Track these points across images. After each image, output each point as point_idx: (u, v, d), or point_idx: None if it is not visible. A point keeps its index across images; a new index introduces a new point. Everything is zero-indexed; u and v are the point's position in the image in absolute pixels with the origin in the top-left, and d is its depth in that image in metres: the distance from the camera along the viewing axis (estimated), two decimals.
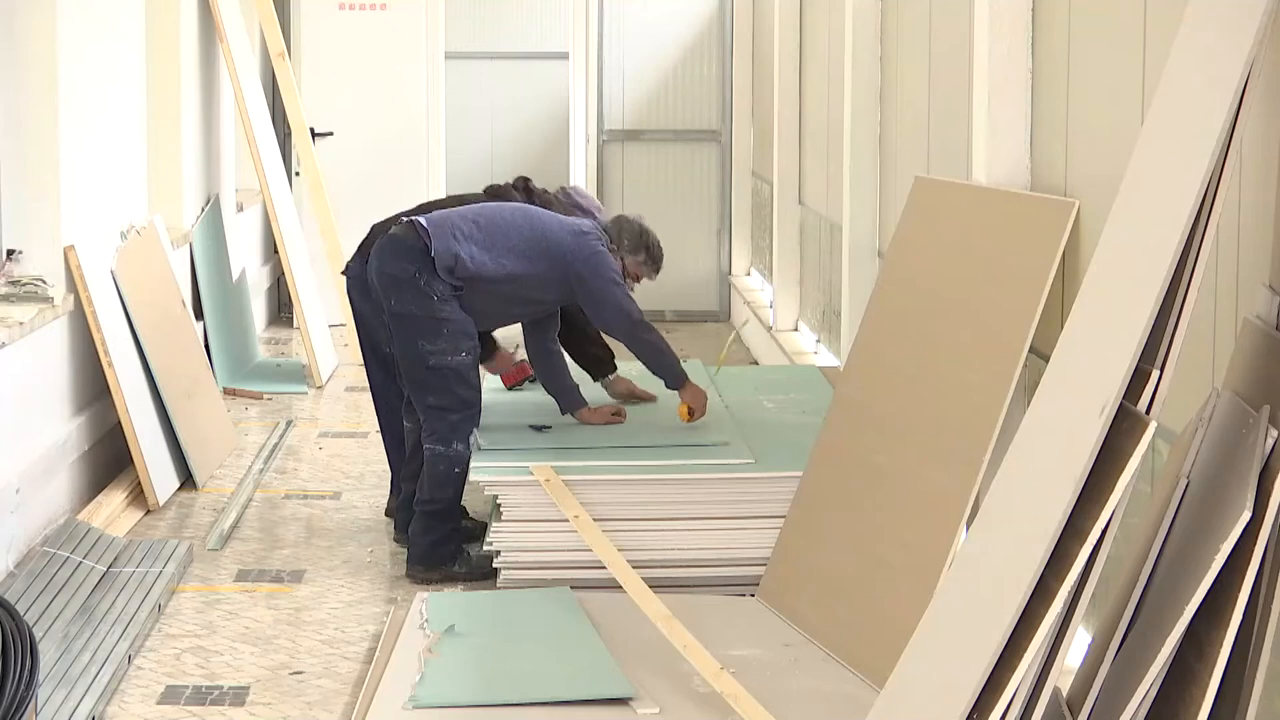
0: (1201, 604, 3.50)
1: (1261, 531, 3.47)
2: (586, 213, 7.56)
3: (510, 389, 7.99)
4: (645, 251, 7.18)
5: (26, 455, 7.06)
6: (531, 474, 6.59)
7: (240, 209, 11.85)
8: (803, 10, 10.93)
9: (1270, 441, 3.55)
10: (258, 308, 12.09)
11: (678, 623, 5.76)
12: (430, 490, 6.89)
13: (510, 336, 7.84)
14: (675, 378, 7.13)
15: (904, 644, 4.45)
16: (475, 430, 6.95)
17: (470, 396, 6.90)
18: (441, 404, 6.86)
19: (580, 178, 14.36)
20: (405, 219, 7.04)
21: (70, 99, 7.69)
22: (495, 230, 6.97)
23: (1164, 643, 3.55)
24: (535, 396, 7.86)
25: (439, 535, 6.87)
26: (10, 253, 7.45)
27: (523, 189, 7.69)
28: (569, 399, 7.27)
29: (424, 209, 7.41)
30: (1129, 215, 4.17)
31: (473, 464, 6.85)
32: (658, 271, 7.28)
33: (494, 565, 6.65)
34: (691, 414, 7.14)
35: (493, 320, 7.22)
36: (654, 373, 7.18)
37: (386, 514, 7.69)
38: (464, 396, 6.87)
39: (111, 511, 7.60)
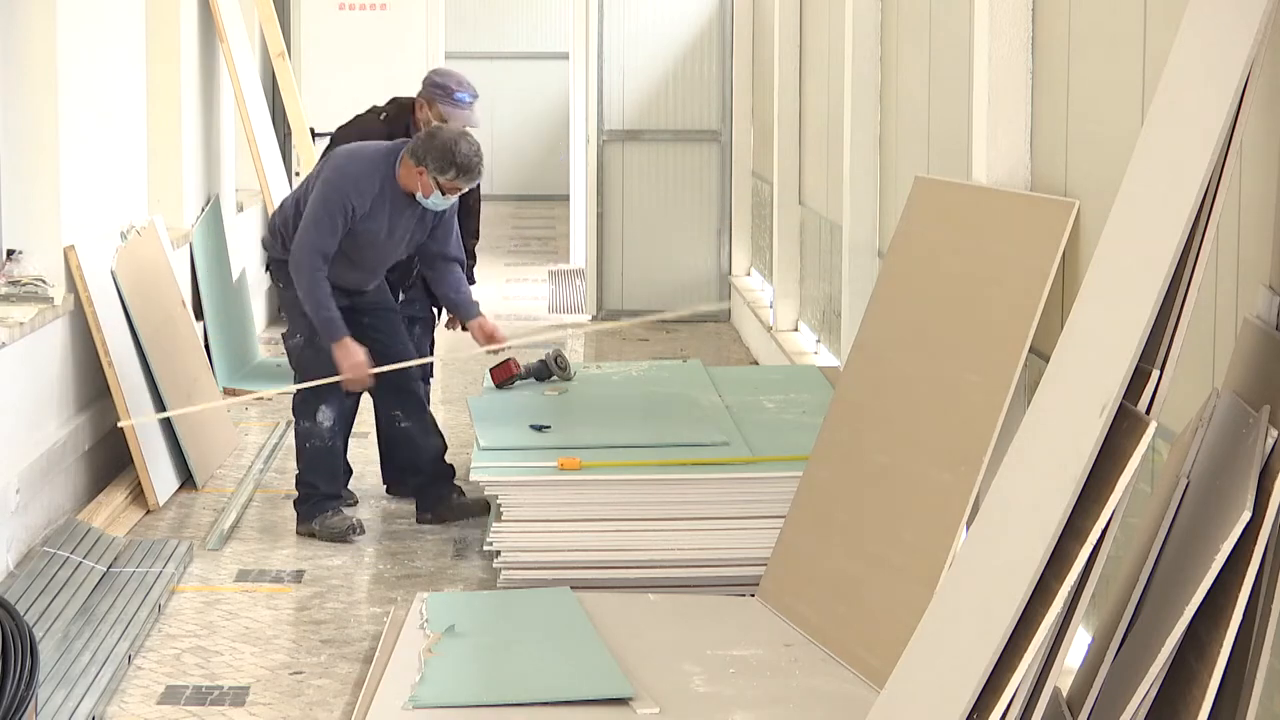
0: (1201, 604, 3.50)
1: (1261, 531, 3.47)
2: (443, 89, 7.77)
3: (499, 387, 7.99)
4: (454, 169, 7.09)
5: (27, 455, 7.06)
6: (533, 475, 6.62)
7: (240, 209, 11.85)
8: (803, 10, 10.93)
9: (1270, 441, 3.55)
10: (258, 308, 12.08)
11: None
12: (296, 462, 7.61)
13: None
14: (325, 329, 7.23)
15: (904, 644, 4.45)
16: (324, 408, 7.40)
17: (309, 376, 7.36)
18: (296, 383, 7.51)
19: (580, 177, 14.34)
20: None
21: (70, 99, 7.69)
22: (307, 195, 7.32)
23: (1164, 643, 3.55)
24: (535, 397, 7.87)
25: (299, 496, 7.54)
26: (10, 253, 7.45)
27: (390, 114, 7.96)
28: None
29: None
30: (1129, 215, 4.17)
31: (473, 464, 6.87)
32: (473, 179, 7.18)
33: (495, 565, 6.66)
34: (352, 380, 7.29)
35: (365, 272, 7.44)
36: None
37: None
38: (305, 377, 7.42)
39: (111, 511, 7.60)
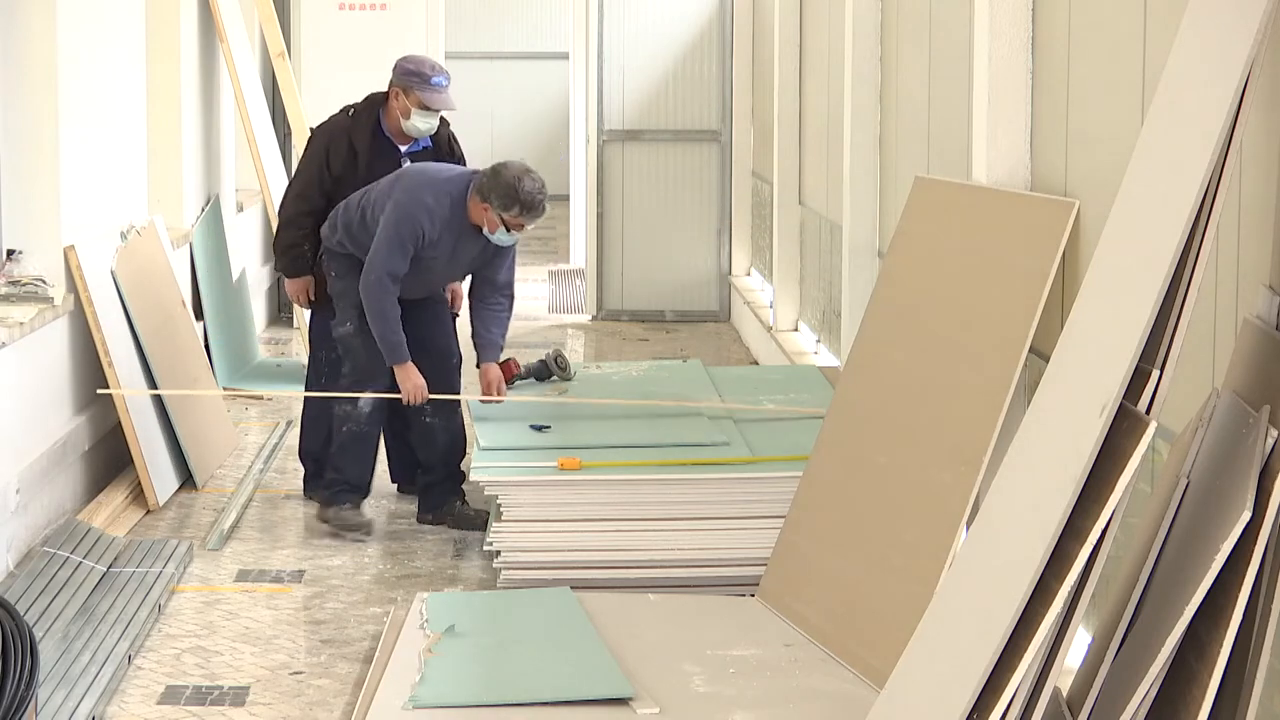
0: (1201, 604, 3.50)
1: (1261, 531, 3.47)
2: (418, 76, 7.68)
3: None
4: (518, 206, 7.14)
5: (27, 455, 7.06)
6: (533, 475, 6.61)
7: (240, 209, 11.85)
8: (803, 10, 10.93)
9: (1270, 441, 3.55)
10: (258, 308, 12.08)
11: None
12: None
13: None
14: (389, 352, 7.32)
15: (904, 644, 4.45)
16: (365, 392, 7.39)
17: (358, 363, 7.45)
18: (345, 372, 7.55)
19: (580, 177, 14.31)
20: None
21: (70, 99, 7.69)
22: (376, 207, 7.35)
23: (1164, 643, 3.55)
24: (534, 397, 7.86)
25: (325, 481, 7.63)
26: (10, 253, 7.45)
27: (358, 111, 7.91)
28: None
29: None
30: (1129, 215, 4.17)
31: (473, 464, 6.87)
32: (536, 216, 7.22)
33: (495, 565, 6.66)
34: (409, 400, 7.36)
35: (420, 287, 7.48)
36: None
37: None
38: (353, 364, 7.49)
39: (112, 511, 7.60)
